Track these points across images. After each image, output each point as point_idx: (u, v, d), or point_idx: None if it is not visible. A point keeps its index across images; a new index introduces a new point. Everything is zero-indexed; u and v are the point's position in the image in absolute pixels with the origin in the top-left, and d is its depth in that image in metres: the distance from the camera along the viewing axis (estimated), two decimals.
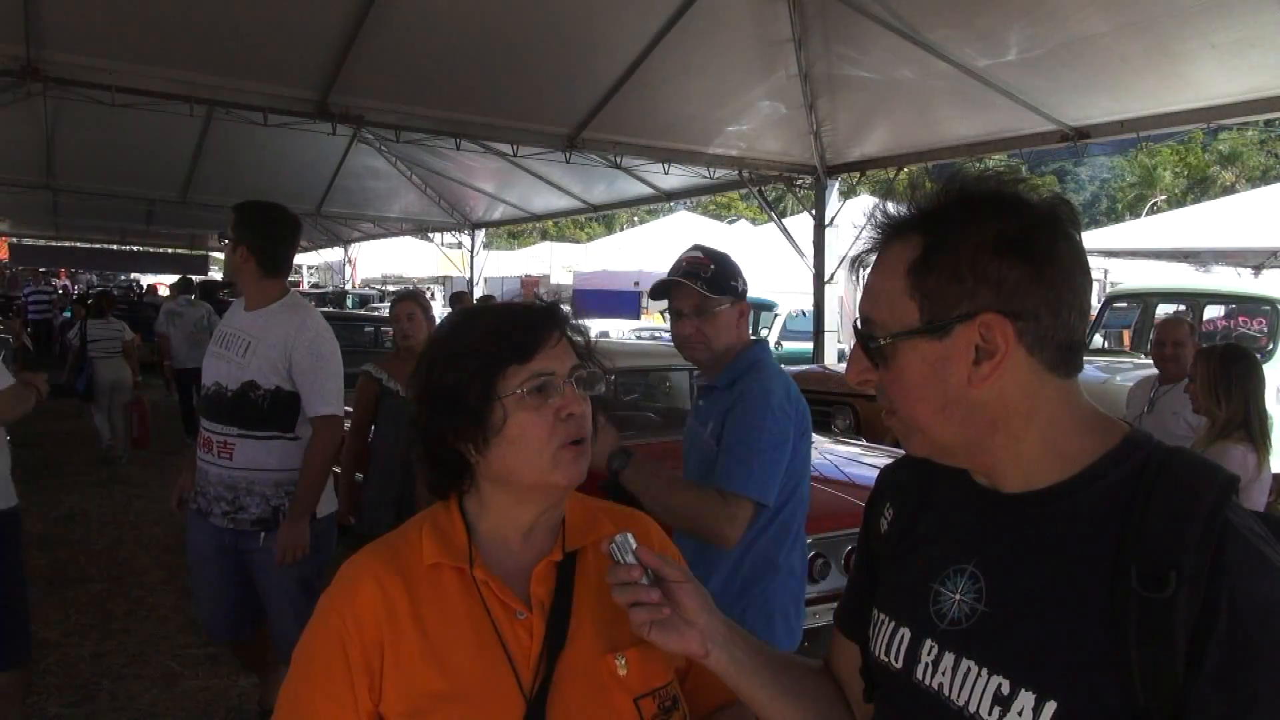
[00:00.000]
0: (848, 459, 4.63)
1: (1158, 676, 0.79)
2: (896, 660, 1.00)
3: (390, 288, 30.35)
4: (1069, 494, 0.90)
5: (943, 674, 0.94)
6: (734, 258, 2.45)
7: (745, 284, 2.39)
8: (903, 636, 1.00)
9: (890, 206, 0.97)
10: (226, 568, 3.14)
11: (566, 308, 1.29)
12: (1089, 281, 0.93)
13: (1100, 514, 0.87)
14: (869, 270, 0.98)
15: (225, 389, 3.06)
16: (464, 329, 1.23)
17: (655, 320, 21.65)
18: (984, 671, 0.90)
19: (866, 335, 0.96)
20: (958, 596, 0.95)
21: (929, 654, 0.96)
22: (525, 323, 1.19)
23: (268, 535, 3.04)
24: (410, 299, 4.36)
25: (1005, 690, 0.88)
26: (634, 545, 1.07)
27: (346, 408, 5.97)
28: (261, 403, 3.03)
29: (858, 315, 0.99)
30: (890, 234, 0.96)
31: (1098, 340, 8.41)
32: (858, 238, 1.01)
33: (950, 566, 0.97)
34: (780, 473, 2.22)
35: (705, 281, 2.28)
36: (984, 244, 0.89)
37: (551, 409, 1.16)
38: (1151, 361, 4.79)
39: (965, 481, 0.99)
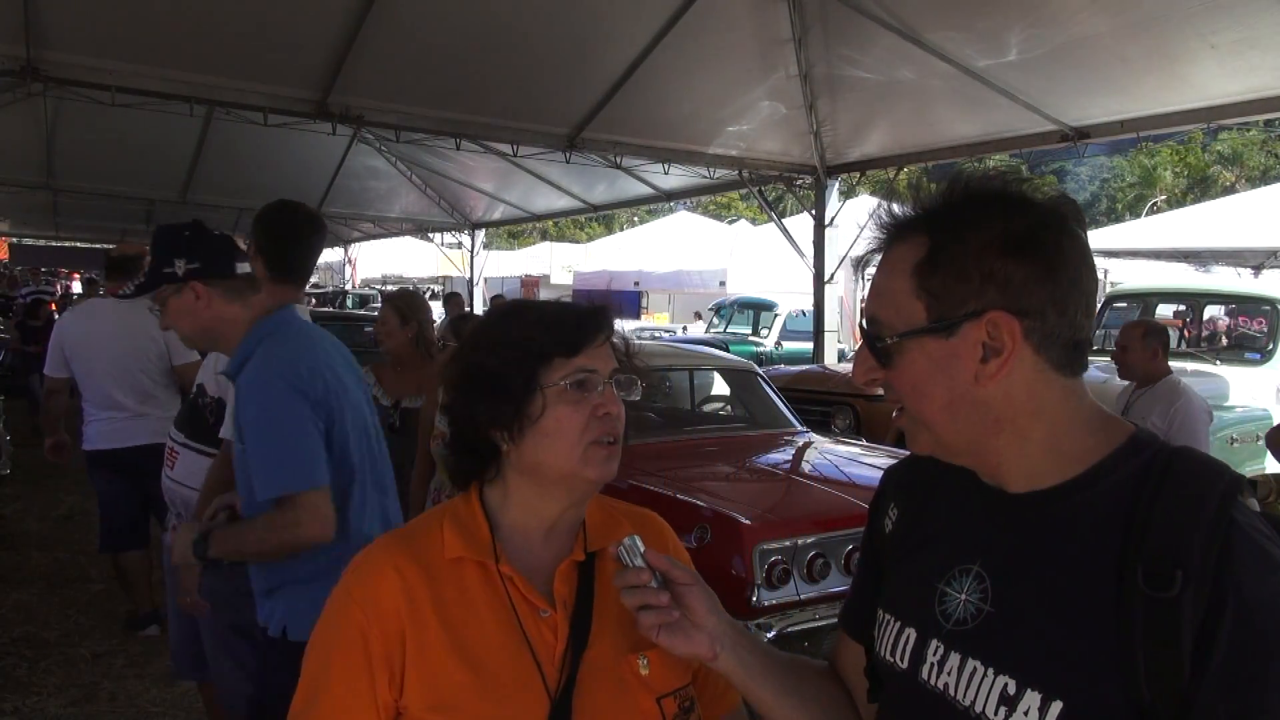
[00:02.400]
0: (848, 459, 4.63)
1: (1164, 676, 0.79)
2: (902, 660, 1.01)
3: (390, 288, 30.38)
4: (1074, 493, 0.90)
5: (948, 674, 0.94)
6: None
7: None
8: (908, 637, 1.01)
9: (894, 206, 0.97)
10: None
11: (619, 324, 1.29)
12: (1095, 280, 0.93)
13: (1105, 513, 0.87)
14: (875, 270, 0.99)
15: (191, 393, 2.83)
16: (513, 318, 1.24)
17: (657, 320, 21.67)
18: (990, 672, 0.90)
19: (874, 335, 0.96)
20: (963, 597, 0.95)
21: (934, 654, 0.97)
22: (576, 319, 1.21)
23: (203, 571, 2.63)
24: (386, 302, 4.22)
25: (1011, 690, 0.88)
26: (642, 548, 1.08)
27: None
28: (207, 412, 2.72)
29: (863, 315, 0.99)
30: (895, 234, 0.96)
31: (1098, 340, 8.41)
32: (858, 238, 1.01)
33: (956, 566, 0.97)
34: (318, 446, 2.00)
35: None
36: (990, 243, 0.89)
37: (589, 405, 1.17)
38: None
39: (970, 481, 1.00)
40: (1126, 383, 6.00)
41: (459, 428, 1.24)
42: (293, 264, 2.74)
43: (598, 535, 1.26)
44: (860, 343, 1.00)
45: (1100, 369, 6.88)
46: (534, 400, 1.16)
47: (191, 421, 2.77)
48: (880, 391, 0.99)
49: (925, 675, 0.97)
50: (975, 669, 0.92)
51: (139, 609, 4.69)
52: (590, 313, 1.23)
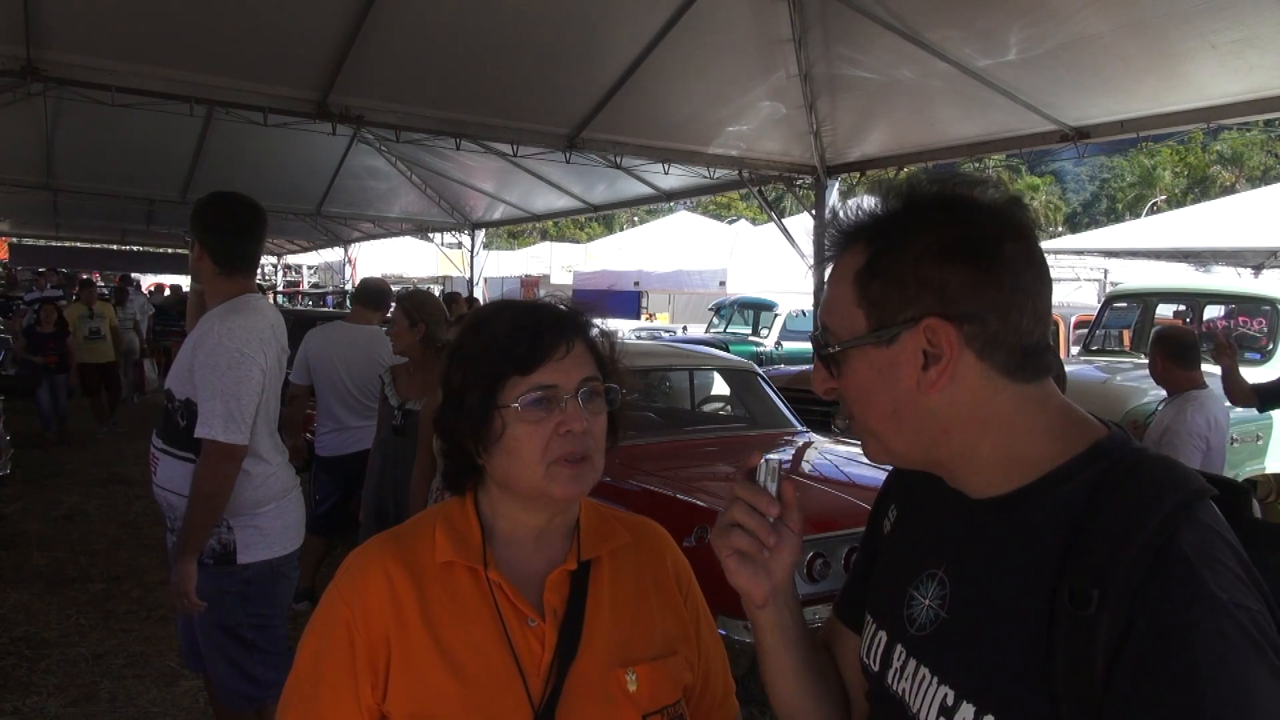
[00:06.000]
0: (848, 459, 4.63)
1: (1078, 696, 0.77)
2: (875, 663, 1.01)
3: (391, 287, 30.36)
4: (1027, 500, 0.88)
5: (906, 680, 0.94)
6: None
7: None
8: (880, 640, 1.00)
9: (843, 214, 0.97)
10: None
11: (598, 324, 1.24)
12: (1043, 282, 0.91)
13: (1053, 523, 0.85)
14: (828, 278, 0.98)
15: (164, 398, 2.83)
16: (480, 329, 1.20)
17: (658, 320, 21.66)
18: (935, 681, 0.89)
19: (821, 343, 0.96)
20: (927, 602, 0.95)
21: (898, 659, 0.96)
22: (534, 332, 1.16)
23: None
24: (396, 304, 4.19)
25: (950, 701, 0.87)
26: (781, 475, 1.00)
27: None
28: (176, 415, 2.70)
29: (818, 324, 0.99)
30: (843, 242, 0.96)
31: (1098, 340, 8.40)
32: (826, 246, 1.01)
33: (924, 571, 0.97)
34: None
35: None
36: (926, 249, 0.88)
37: (551, 423, 1.13)
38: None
39: (947, 484, 0.99)
40: (1130, 381, 5.99)
41: (440, 436, 1.23)
42: (240, 256, 2.80)
43: (591, 542, 1.23)
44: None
45: (1100, 369, 6.89)
46: (492, 420, 1.14)
47: (164, 427, 2.76)
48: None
49: (890, 680, 0.97)
50: (924, 677, 0.91)
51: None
52: (554, 322, 1.18)
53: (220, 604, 2.67)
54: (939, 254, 0.88)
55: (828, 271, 0.98)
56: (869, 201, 0.95)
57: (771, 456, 1.01)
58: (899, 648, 0.96)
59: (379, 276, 5.37)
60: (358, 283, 5.65)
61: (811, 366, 1.01)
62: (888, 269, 0.90)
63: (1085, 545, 0.80)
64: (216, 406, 2.57)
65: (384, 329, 4.95)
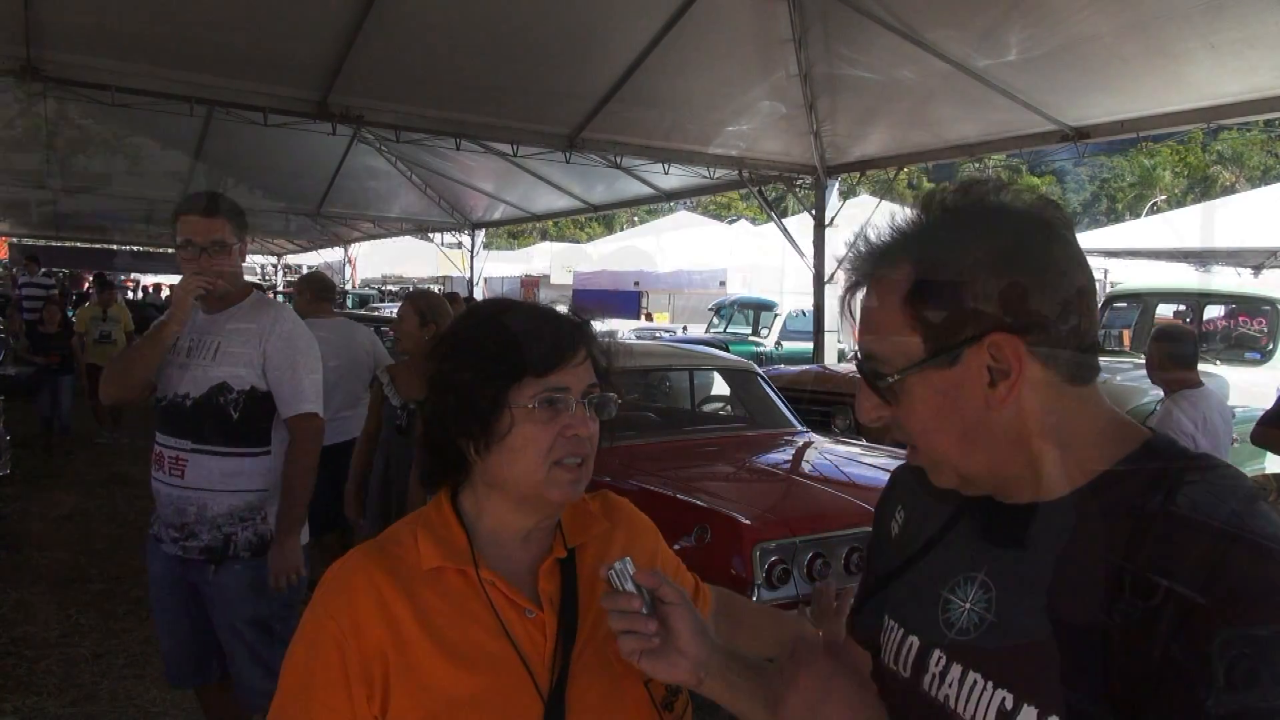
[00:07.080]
0: (847, 459, 4.63)
1: (1137, 686, 0.76)
2: (905, 669, 0.98)
3: (390, 288, 30.39)
4: (1081, 503, 0.87)
5: (950, 686, 0.92)
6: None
7: None
8: (911, 645, 0.98)
9: (872, 233, 0.94)
10: (181, 601, 2.80)
11: (599, 325, 1.27)
12: (1091, 281, 0.90)
13: (1110, 523, 0.84)
14: (864, 302, 0.94)
15: (186, 397, 2.73)
16: (490, 327, 1.21)
17: (658, 320, 21.66)
18: (989, 685, 0.88)
19: (874, 373, 0.92)
20: (968, 605, 0.92)
21: (937, 665, 0.94)
22: (553, 336, 1.19)
23: (218, 568, 2.69)
24: (408, 301, 4.20)
25: (1009, 705, 0.85)
26: (632, 570, 1.06)
27: None
28: (231, 408, 2.69)
29: (858, 350, 0.96)
30: (878, 263, 0.93)
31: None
32: (848, 272, 0.98)
33: (961, 574, 0.95)
34: None
35: None
36: (978, 261, 0.85)
37: (558, 425, 1.16)
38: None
39: None
40: (1130, 381, 5.99)
41: (429, 430, 1.23)
42: None
43: (574, 531, 1.26)
44: (860, 381, 0.96)
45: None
46: (501, 417, 1.15)
47: (203, 425, 2.71)
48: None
49: (927, 685, 0.95)
50: (975, 681, 0.89)
51: None
52: (570, 330, 1.21)
53: (256, 596, 2.71)
54: (992, 265, 0.85)
55: (858, 294, 0.95)
56: (900, 217, 0.92)
57: (614, 563, 1.06)
58: (936, 653, 0.94)
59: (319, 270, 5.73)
60: (305, 276, 5.69)
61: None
62: (939, 286, 0.86)
63: (1149, 541, 0.79)
64: (308, 383, 2.75)
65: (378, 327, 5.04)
